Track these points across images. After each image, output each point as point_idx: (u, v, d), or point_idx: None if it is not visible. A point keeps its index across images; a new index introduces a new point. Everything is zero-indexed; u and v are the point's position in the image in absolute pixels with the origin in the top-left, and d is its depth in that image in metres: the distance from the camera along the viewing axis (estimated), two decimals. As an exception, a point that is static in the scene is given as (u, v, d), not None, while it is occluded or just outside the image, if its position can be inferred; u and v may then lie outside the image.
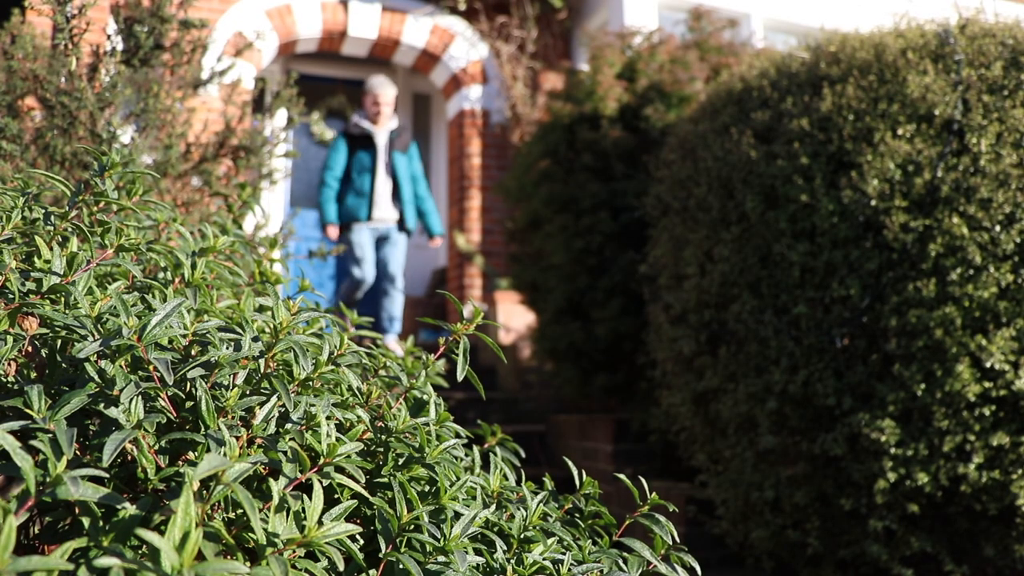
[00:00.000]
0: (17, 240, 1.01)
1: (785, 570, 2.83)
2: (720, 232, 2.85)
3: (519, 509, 1.00)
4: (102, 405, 0.79)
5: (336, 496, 0.90)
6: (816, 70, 2.81)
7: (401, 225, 5.03)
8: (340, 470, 0.86)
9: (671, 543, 1.02)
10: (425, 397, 1.16)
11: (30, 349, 0.90)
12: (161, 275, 1.16)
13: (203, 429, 0.81)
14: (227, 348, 0.91)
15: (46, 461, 0.65)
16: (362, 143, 5.00)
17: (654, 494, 1.08)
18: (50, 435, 0.70)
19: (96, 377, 0.81)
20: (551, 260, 4.18)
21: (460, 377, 1.03)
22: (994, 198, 2.35)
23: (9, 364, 0.87)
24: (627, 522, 1.11)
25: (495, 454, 1.15)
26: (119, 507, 0.69)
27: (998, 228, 2.35)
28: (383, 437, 0.99)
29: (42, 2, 1.86)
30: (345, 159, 5.01)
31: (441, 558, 0.85)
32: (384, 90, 5.02)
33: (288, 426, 0.88)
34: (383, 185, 4.97)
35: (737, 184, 2.81)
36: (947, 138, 2.47)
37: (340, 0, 5.98)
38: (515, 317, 5.57)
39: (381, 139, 5.00)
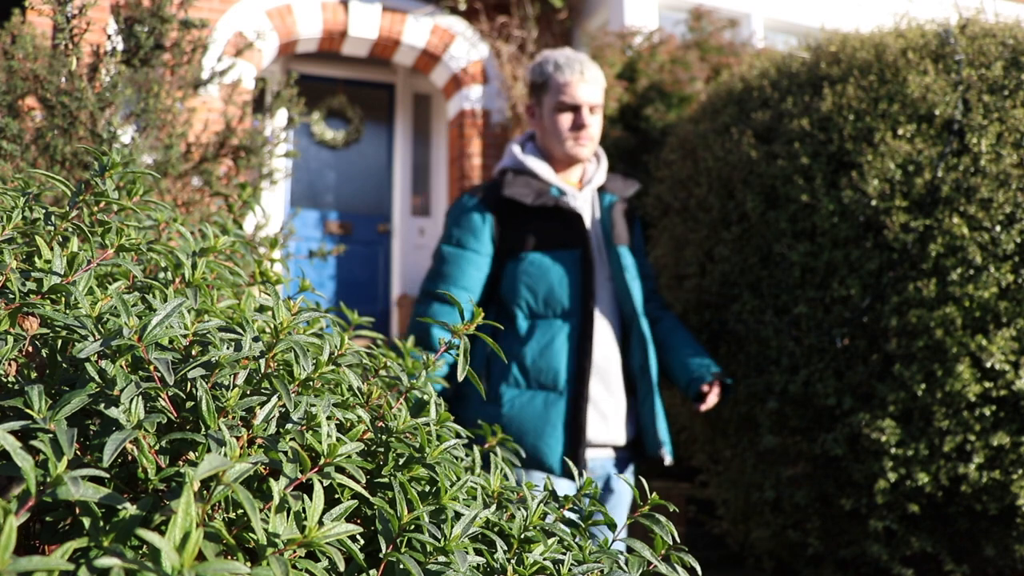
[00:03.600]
0: (18, 240, 1.01)
1: (785, 570, 2.83)
2: (720, 232, 2.85)
3: (519, 509, 1.00)
4: (102, 405, 0.79)
5: (336, 496, 0.90)
6: (816, 70, 2.81)
7: (636, 448, 2.09)
8: (341, 470, 0.86)
9: (671, 543, 1.02)
10: (426, 397, 1.15)
11: (30, 349, 0.90)
12: (162, 275, 1.16)
13: (204, 429, 0.80)
14: (228, 348, 0.91)
15: (46, 461, 0.65)
16: (547, 225, 2.05)
17: (654, 494, 1.08)
18: (50, 435, 0.69)
19: (96, 377, 0.81)
20: (551, 260, 4.17)
21: (460, 377, 1.03)
22: (994, 198, 2.35)
23: (9, 364, 0.87)
24: (627, 522, 1.11)
25: (495, 454, 1.15)
26: (119, 507, 0.69)
27: (998, 228, 2.35)
28: (383, 437, 0.99)
29: (42, 2, 1.86)
30: (489, 267, 2.06)
31: (441, 558, 0.85)
32: (587, 70, 2.12)
33: (289, 426, 0.88)
34: (607, 344, 2.04)
35: (737, 184, 2.81)
36: (947, 138, 2.46)
37: (340, 0, 5.98)
38: (515, 317, 5.56)
39: (586, 212, 2.14)
